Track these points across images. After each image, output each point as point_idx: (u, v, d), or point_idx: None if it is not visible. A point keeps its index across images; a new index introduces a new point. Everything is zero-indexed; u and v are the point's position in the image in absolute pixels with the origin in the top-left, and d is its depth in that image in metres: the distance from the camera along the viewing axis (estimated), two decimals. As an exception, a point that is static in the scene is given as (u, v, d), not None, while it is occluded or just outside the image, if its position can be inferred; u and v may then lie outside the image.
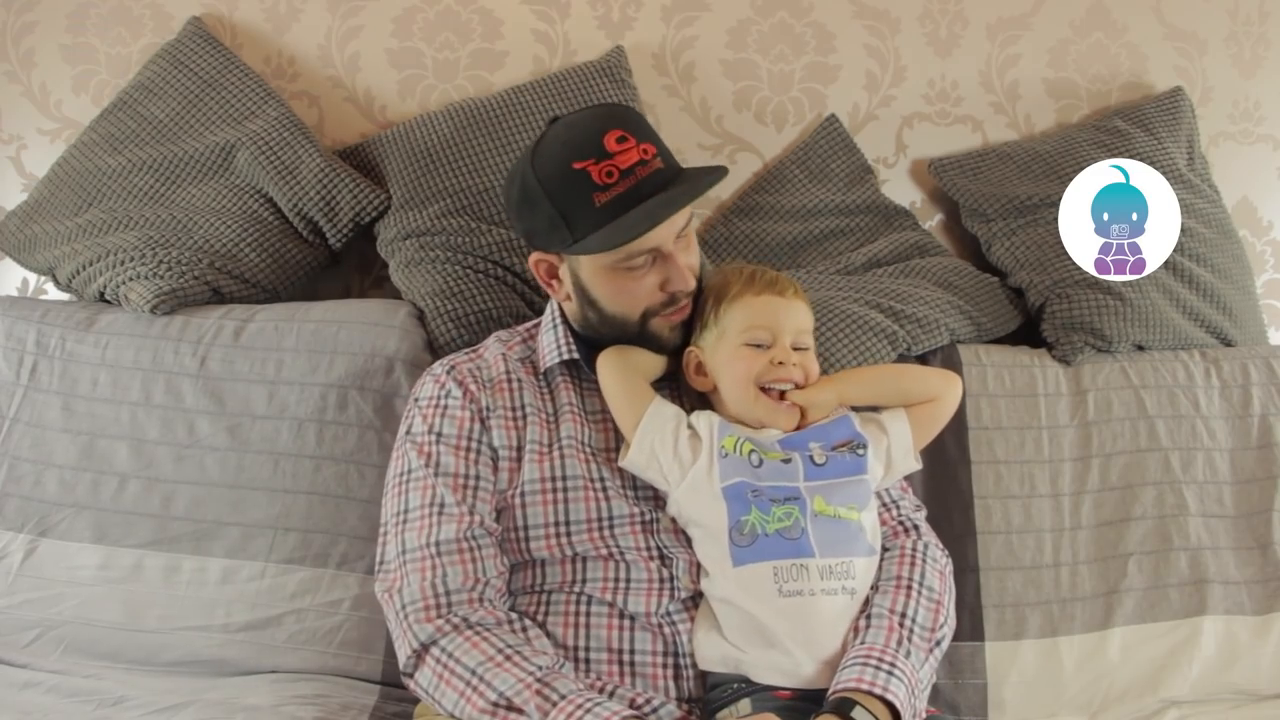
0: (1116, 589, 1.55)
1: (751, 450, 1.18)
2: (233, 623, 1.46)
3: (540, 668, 1.09)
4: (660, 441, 1.19)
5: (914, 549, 1.25)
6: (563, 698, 1.05)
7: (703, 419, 1.22)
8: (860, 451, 1.21)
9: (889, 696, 1.06)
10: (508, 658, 1.09)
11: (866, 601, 1.18)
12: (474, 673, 1.09)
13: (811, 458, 1.20)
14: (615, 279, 1.23)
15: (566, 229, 1.20)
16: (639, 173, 1.18)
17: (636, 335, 1.27)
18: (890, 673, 1.09)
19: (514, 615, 1.17)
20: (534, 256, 1.29)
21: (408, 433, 1.27)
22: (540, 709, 1.04)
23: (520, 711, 1.06)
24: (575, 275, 1.26)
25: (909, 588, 1.20)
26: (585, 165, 1.17)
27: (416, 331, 1.59)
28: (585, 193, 1.17)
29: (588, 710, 1.03)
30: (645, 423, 1.20)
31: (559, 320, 1.32)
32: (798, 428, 1.23)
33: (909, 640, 1.15)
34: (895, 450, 1.25)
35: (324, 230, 1.72)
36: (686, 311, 1.27)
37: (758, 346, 1.22)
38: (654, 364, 1.29)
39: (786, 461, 1.18)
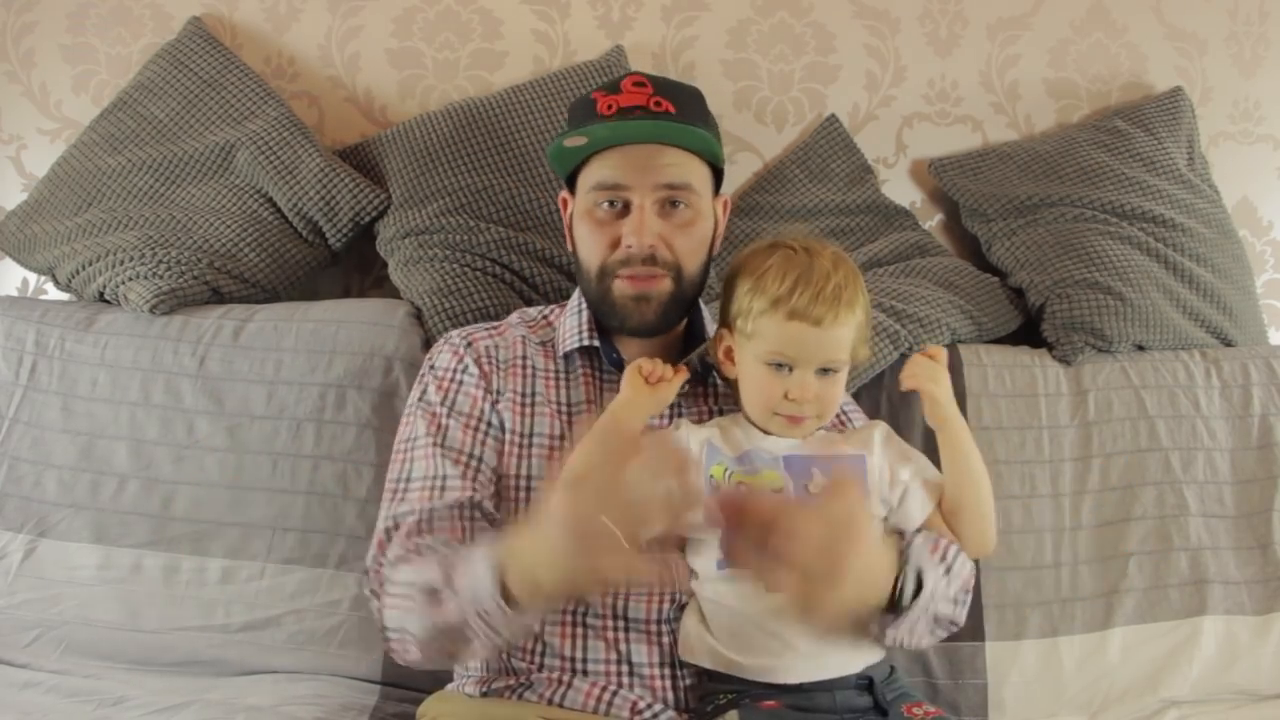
0: (1117, 589, 1.55)
1: (739, 482, 1.14)
2: (232, 623, 1.46)
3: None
4: None
5: (939, 541, 1.18)
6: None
7: (694, 442, 1.17)
8: None
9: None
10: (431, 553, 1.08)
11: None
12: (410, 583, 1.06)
13: (807, 487, 1.15)
14: (586, 222, 1.24)
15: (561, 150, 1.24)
16: (638, 115, 1.19)
17: (600, 298, 1.24)
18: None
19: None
20: (561, 195, 1.33)
21: (420, 399, 1.24)
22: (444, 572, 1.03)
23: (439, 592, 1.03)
24: (572, 217, 1.29)
25: (944, 554, 1.15)
26: (597, 95, 1.23)
27: (415, 331, 1.59)
28: (588, 119, 1.22)
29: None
30: None
31: (583, 305, 1.30)
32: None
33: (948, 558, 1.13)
34: (907, 515, 1.20)
35: (324, 230, 1.72)
36: (652, 285, 1.22)
37: (779, 366, 1.16)
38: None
39: (777, 492, 1.13)
